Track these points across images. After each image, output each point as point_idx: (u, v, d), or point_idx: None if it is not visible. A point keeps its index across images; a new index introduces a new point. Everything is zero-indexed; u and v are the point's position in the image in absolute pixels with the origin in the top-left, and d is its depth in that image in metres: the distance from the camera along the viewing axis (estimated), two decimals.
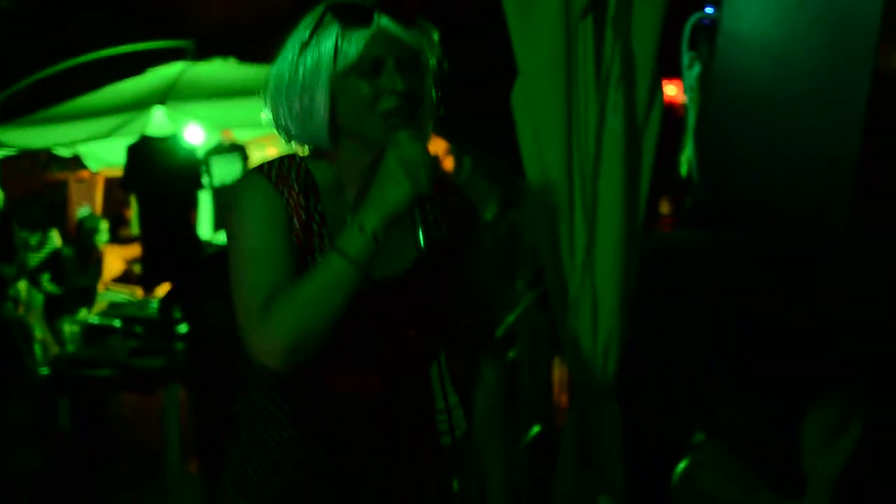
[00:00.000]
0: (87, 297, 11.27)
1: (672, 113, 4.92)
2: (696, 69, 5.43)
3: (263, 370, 2.75)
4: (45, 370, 9.71)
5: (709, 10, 5.33)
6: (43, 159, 13.31)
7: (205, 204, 11.67)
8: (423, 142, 2.66)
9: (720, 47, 5.26)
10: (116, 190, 12.85)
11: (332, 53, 2.74)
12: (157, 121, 10.41)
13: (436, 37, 2.82)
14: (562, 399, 6.95)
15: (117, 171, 11.69)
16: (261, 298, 2.65)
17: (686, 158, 5.46)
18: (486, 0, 4.46)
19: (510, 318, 6.79)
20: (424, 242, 2.61)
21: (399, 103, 2.72)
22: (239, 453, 2.94)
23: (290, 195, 2.79)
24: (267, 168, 2.82)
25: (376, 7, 2.75)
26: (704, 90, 5.34)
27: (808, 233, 5.33)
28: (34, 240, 13.15)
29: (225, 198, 11.73)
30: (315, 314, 2.63)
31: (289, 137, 2.87)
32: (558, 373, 7.02)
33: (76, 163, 12.88)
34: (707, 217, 5.44)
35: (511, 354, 6.98)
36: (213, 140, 11.62)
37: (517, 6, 4.17)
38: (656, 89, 4.23)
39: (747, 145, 5.33)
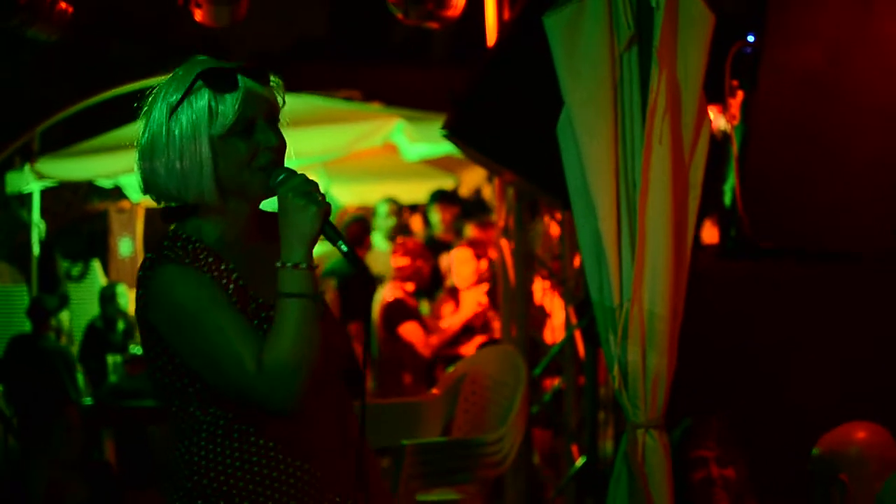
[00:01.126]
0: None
1: (715, 142, 4.88)
2: (740, 97, 5.39)
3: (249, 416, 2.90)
4: (88, 401, 9.75)
5: (751, 38, 5.30)
6: (83, 190, 13.35)
7: None
8: (297, 172, 2.91)
9: (763, 75, 5.23)
10: (157, 220, 12.86)
11: (206, 116, 2.87)
12: None
13: (280, 82, 3.03)
14: (607, 431, 6.91)
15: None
16: (251, 362, 2.81)
17: (729, 188, 5.42)
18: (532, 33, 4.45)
19: (555, 349, 6.77)
20: (347, 247, 2.86)
21: (273, 156, 2.93)
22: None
23: (210, 267, 2.93)
24: (172, 255, 2.93)
25: (240, 69, 2.91)
26: (747, 119, 5.31)
27: (852, 263, 5.29)
28: (76, 270, 13.22)
29: None
30: (303, 352, 2.82)
31: (162, 197, 2.97)
32: (603, 403, 6.98)
33: (117, 193, 12.90)
34: (751, 247, 5.40)
35: (556, 386, 6.96)
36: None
37: (562, 38, 4.17)
38: (703, 119, 4.22)
39: (790, 174, 5.30)
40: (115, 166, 11.27)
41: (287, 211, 2.85)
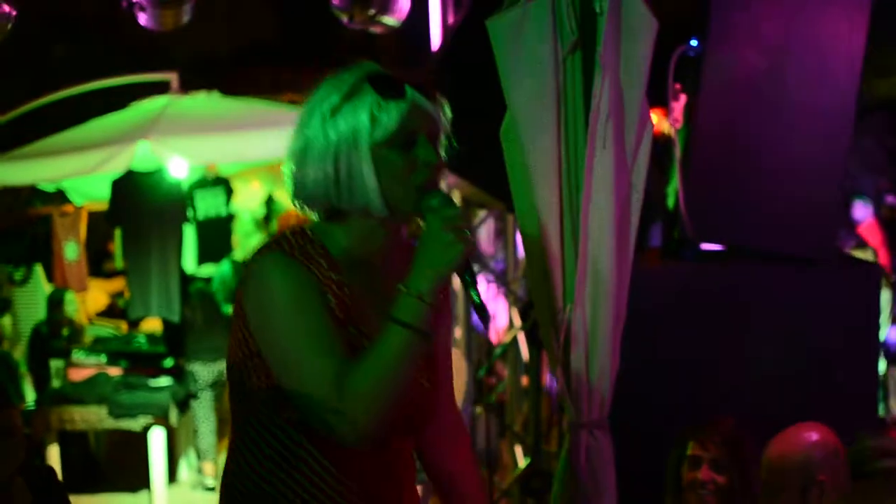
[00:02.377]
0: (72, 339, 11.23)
1: (659, 145, 4.92)
2: (682, 101, 5.43)
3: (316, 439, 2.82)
4: (31, 406, 9.70)
5: (694, 42, 5.33)
6: (25, 193, 13.26)
7: (189, 238, 11.64)
8: (455, 204, 2.79)
9: (705, 79, 5.27)
10: (101, 223, 12.81)
11: (368, 122, 2.80)
12: (142, 155, 10.39)
13: (448, 112, 2.91)
14: (551, 432, 6.95)
15: (101, 205, 11.66)
16: (331, 380, 2.70)
17: (673, 190, 5.46)
18: (475, 37, 4.46)
19: (499, 351, 6.79)
20: (479, 299, 2.76)
21: (431, 176, 2.83)
22: None
23: (319, 271, 2.83)
24: (287, 246, 2.85)
25: (407, 82, 2.82)
26: (690, 122, 5.34)
27: (793, 263, 5.34)
28: (18, 275, 13.11)
29: (210, 231, 11.70)
30: (390, 386, 2.70)
31: (309, 204, 2.91)
32: (546, 406, 7.02)
33: (60, 197, 12.84)
34: (695, 249, 5.45)
35: (500, 387, 6.98)
36: (198, 174, 11.60)
37: (506, 42, 4.18)
38: (645, 122, 4.24)
39: (733, 177, 5.34)
40: (58, 170, 11.21)
41: (430, 239, 2.75)
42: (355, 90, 2.84)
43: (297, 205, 2.94)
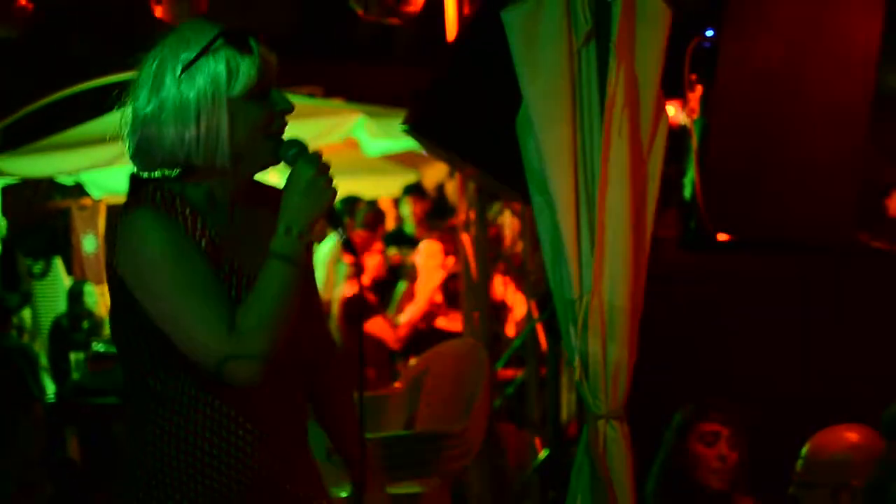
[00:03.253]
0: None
1: (675, 135, 4.92)
2: (698, 92, 5.43)
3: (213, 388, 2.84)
4: (51, 398, 9.72)
5: (709, 32, 5.33)
6: (44, 187, 13.30)
7: None
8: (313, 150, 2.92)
9: (721, 70, 5.27)
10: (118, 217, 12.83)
11: (225, 76, 2.82)
12: None
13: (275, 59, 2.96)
14: (571, 423, 6.95)
15: (120, 198, 11.69)
16: (223, 323, 2.76)
17: (689, 181, 5.46)
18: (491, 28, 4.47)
19: (517, 342, 6.79)
20: (346, 236, 2.92)
21: (285, 122, 2.94)
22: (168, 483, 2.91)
23: (185, 222, 2.87)
24: (150, 200, 2.86)
25: (251, 34, 2.88)
26: (706, 112, 5.34)
27: (811, 254, 5.34)
28: (38, 268, 13.15)
29: None
30: (277, 319, 2.79)
31: (161, 165, 2.92)
32: (566, 396, 7.01)
33: (78, 190, 12.86)
34: (710, 240, 5.45)
35: (519, 378, 6.99)
36: None
37: (521, 33, 4.19)
38: (661, 112, 4.25)
39: (749, 167, 5.34)
40: (76, 163, 11.23)
41: (303, 183, 2.85)
42: (208, 46, 2.84)
43: (142, 167, 2.94)
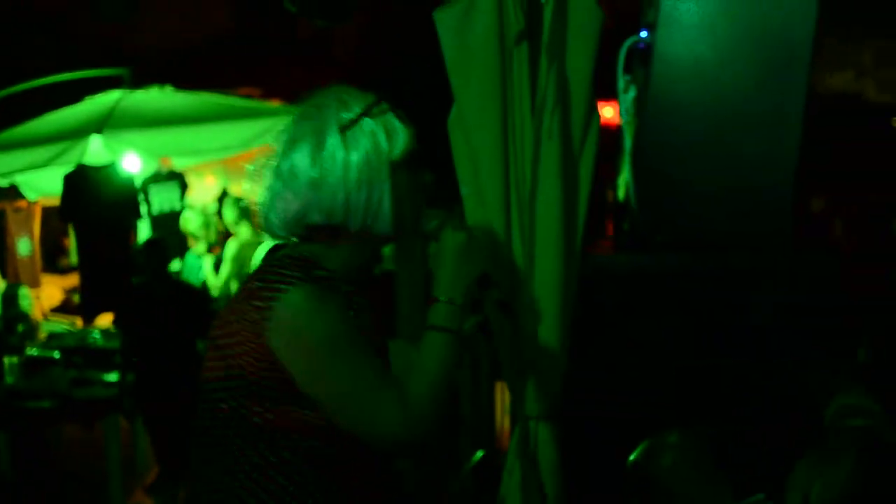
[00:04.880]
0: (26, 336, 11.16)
1: (609, 136, 4.92)
2: (632, 93, 5.44)
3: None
4: None
5: (643, 33, 5.35)
6: None
7: (143, 233, 11.60)
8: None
9: (654, 71, 5.28)
10: (54, 219, 12.76)
11: (385, 140, 2.85)
12: (95, 149, 10.34)
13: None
14: (504, 423, 6.95)
15: (55, 201, 11.62)
16: (398, 403, 2.76)
17: (623, 182, 5.47)
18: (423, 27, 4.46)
19: None
20: (501, 298, 3.11)
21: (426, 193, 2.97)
22: None
23: (347, 301, 2.89)
24: (309, 277, 2.84)
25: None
26: (640, 114, 5.36)
27: (747, 255, 5.35)
28: None
29: (164, 225, 11.65)
30: (444, 389, 2.84)
31: (310, 226, 2.91)
32: (500, 397, 7.02)
33: (13, 192, 12.76)
34: (644, 241, 5.46)
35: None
36: (151, 168, 11.55)
37: (452, 33, 4.18)
38: (592, 114, 4.25)
39: (683, 168, 5.35)
40: (10, 164, 11.15)
41: (452, 253, 2.90)
42: (370, 107, 2.87)
43: (281, 232, 2.95)
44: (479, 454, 6.69)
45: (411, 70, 5.11)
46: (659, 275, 5.32)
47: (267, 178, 2.97)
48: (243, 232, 11.08)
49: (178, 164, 11.84)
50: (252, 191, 3.03)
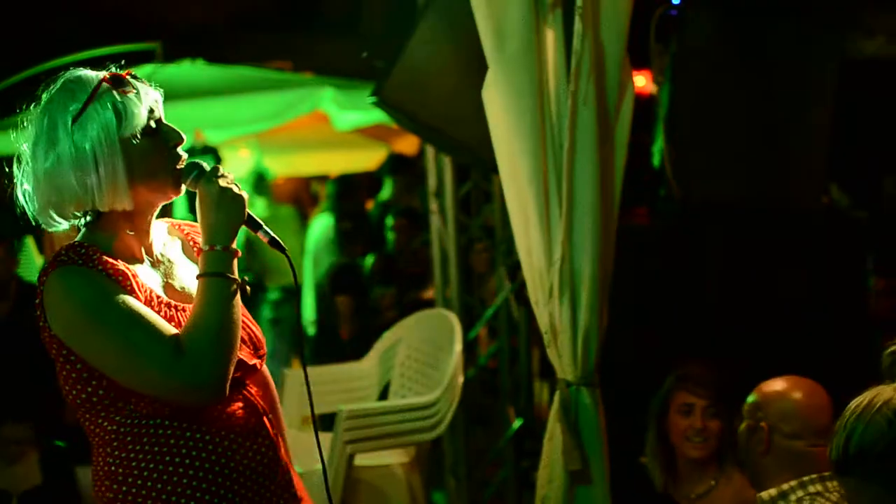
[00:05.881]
0: None
1: (640, 104, 4.93)
2: (664, 60, 5.44)
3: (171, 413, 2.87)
4: None
5: (675, 1, 5.35)
6: (12, 165, 13.23)
7: (179, 207, 11.64)
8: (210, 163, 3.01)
9: (687, 38, 5.29)
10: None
11: (115, 120, 2.86)
12: None
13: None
14: (543, 391, 6.96)
15: None
16: (167, 350, 2.79)
17: (658, 149, 5.48)
18: None
19: (489, 313, 6.80)
20: (270, 235, 3.00)
21: (179, 154, 2.97)
22: None
23: (106, 268, 2.86)
24: (66, 259, 2.86)
25: (123, 73, 2.94)
26: (673, 80, 5.36)
27: (782, 219, 5.36)
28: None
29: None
30: (225, 334, 2.85)
31: (70, 215, 2.94)
32: (538, 365, 7.02)
33: None
34: (681, 207, 5.47)
35: (491, 348, 6.99)
36: (186, 142, 11.58)
37: (486, 1, 4.18)
38: (627, 80, 4.26)
39: (717, 134, 5.36)
40: None
41: (210, 202, 2.91)
42: (93, 94, 2.89)
43: (46, 221, 2.96)
44: (518, 422, 6.71)
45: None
46: (694, 240, 5.34)
47: (19, 181, 2.98)
48: (258, 207, 11.12)
49: (211, 137, 11.86)
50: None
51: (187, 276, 3.07)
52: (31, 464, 5.54)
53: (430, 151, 7.11)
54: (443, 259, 7.02)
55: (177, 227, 3.21)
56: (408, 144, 12.87)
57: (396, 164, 11.39)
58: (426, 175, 7.20)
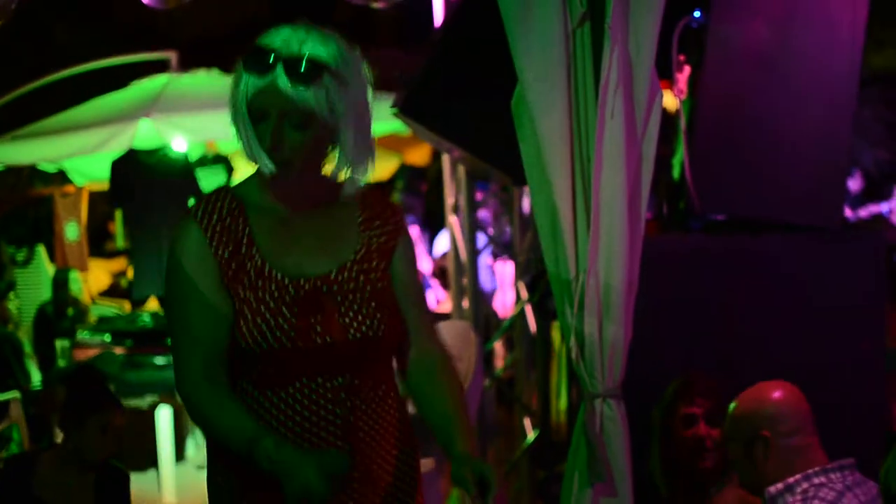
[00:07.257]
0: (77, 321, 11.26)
1: (665, 116, 4.94)
2: (686, 72, 5.45)
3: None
4: (37, 386, 9.71)
5: (697, 13, 5.36)
6: (27, 174, 13.29)
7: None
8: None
9: (709, 50, 5.30)
10: (100, 203, 12.83)
11: (240, 90, 3.06)
12: (143, 133, 10.39)
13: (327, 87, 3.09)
14: (559, 403, 6.98)
15: (102, 185, 11.68)
16: (198, 359, 3.07)
17: (678, 161, 5.49)
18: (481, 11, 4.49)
19: (507, 324, 6.82)
20: None
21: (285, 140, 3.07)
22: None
23: (224, 224, 3.11)
24: (197, 209, 3.13)
25: (280, 62, 3.02)
26: (695, 93, 5.37)
27: (802, 235, 5.37)
28: (21, 256, 13.14)
29: None
30: (218, 435, 3.09)
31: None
32: (555, 377, 7.04)
33: (61, 177, 12.84)
34: (701, 220, 5.47)
35: (508, 360, 7.02)
36: (198, 152, 11.60)
37: (516, 15, 4.20)
38: (655, 94, 4.27)
39: (738, 147, 5.37)
40: (58, 150, 11.21)
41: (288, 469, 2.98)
42: (238, 64, 3.10)
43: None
44: (535, 434, 6.73)
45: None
46: (716, 254, 5.34)
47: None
48: None
49: (223, 147, 11.89)
50: None
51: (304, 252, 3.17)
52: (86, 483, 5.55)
53: (447, 166, 7.15)
54: (458, 270, 7.05)
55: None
56: (420, 155, 12.90)
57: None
58: (444, 189, 7.23)
